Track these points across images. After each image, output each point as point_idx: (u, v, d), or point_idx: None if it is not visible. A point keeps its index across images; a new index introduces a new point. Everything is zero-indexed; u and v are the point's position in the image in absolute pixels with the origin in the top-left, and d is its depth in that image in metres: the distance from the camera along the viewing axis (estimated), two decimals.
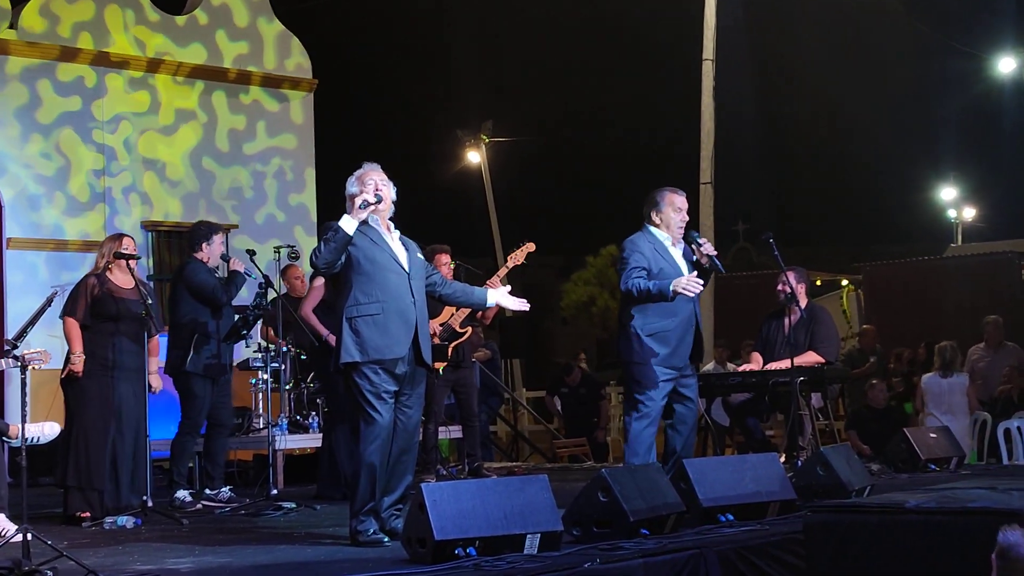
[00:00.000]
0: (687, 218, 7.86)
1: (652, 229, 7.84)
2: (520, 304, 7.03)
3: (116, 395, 8.09)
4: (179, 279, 9.08)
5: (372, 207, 6.52)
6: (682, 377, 7.73)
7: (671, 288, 7.44)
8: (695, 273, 7.60)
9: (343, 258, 6.48)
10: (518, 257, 9.47)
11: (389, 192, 6.69)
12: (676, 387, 7.71)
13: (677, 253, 7.82)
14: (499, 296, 7.00)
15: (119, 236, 8.52)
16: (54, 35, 13.82)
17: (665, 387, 7.64)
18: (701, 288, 7.49)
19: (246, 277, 9.04)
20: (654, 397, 7.62)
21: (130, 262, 8.26)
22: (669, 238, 7.81)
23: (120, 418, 8.09)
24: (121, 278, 8.27)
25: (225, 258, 9.25)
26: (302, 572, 5.10)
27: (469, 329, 9.89)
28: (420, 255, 6.85)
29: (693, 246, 7.83)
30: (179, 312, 8.95)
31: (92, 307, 8.12)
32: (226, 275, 9.19)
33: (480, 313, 9.83)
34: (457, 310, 9.60)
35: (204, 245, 9.07)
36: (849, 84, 33.70)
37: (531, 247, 9.33)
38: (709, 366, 14.75)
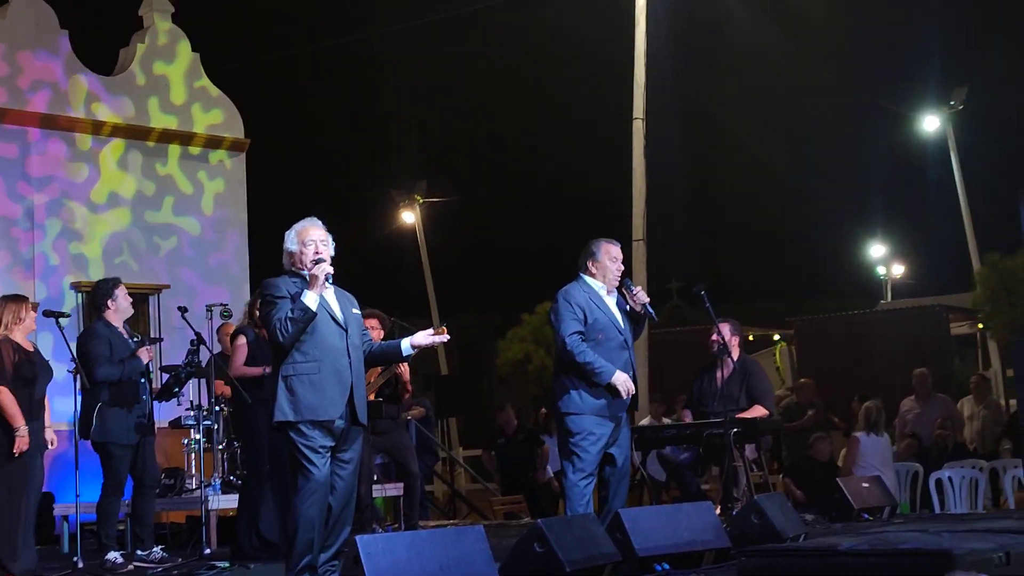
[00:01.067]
0: (623, 267, 7.93)
1: (587, 279, 7.89)
2: (438, 337, 6.86)
3: (34, 461, 7.97)
4: (80, 342, 8.84)
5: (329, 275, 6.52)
6: (617, 428, 7.74)
7: (612, 380, 7.52)
8: (630, 375, 7.66)
9: None
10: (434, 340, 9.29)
11: (329, 250, 6.69)
12: (610, 438, 7.72)
13: (611, 302, 7.87)
14: (416, 340, 6.83)
15: (20, 297, 8.32)
16: None
17: (602, 438, 7.64)
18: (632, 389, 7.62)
19: (140, 367, 8.72)
20: (589, 450, 7.61)
21: (59, 320, 8.17)
22: (604, 287, 7.86)
23: (33, 484, 7.96)
24: (24, 340, 8.14)
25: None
26: None
27: (372, 397, 9.71)
28: (356, 310, 6.84)
29: (626, 293, 7.89)
30: (89, 377, 8.74)
31: (14, 372, 7.94)
32: (140, 337, 8.99)
33: (397, 386, 9.77)
34: (375, 378, 9.52)
35: (109, 302, 8.85)
36: (778, 141, 34.18)
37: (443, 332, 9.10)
38: (644, 421, 14.82)
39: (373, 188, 31.12)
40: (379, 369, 9.46)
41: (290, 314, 6.42)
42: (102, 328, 8.73)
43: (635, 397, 7.88)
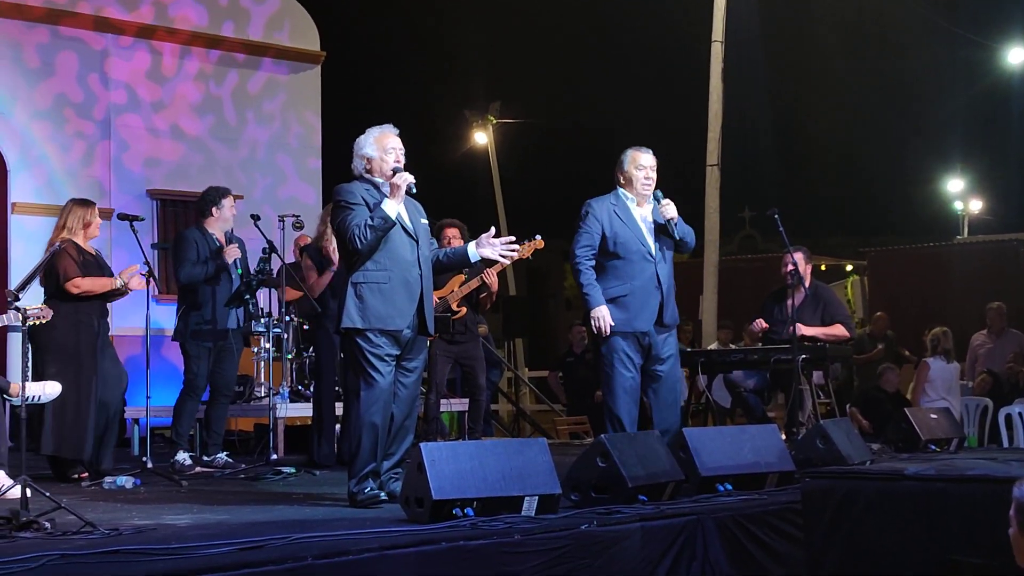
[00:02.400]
0: (653, 176, 7.70)
1: (620, 191, 7.75)
2: (506, 248, 6.80)
3: (100, 362, 8.10)
4: (171, 245, 9.08)
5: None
6: (654, 339, 7.62)
7: (592, 310, 7.49)
8: (656, 289, 7.56)
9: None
10: (524, 251, 9.36)
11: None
12: (650, 351, 7.63)
13: (641, 213, 7.69)
14: (483, 251, 6.77)
15: (87, 202, 8.41)
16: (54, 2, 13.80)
17: (632, 354, 7.57)
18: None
19: (225, 266, 8.92)
20: (620, 369, 7.56)
21: (133, 224, 8.25)
22: (634, 199, 7.72)
23: (102, 384, 8.10)
24: (84, 245, 8.24)
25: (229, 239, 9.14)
26: (299, 530, 5.08)
27: (463, 310, 9.80)
28: (424, 220, 6.82)
29: (657, 205, 7.74)
30: (176, 278, 8.98)
31: (81, 269, 8.07)
32: (232, 240, 9.13)
33: (482, 295, 9.81)
34: (459, 287, 9.57)
35: (214, 209, 9.04)
36: (858, 72, 33.55)
37: (540, 244, 9.16)
38: (712, 346, 14.77)
39: (447, 107, 30.98)
40: (462, 276, 9.49)
41: (369, 221, 6.39)
42: (194, 233, 8.92)
43: (671, 310, 7.67)
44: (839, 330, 9.53)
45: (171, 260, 9.22)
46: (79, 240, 8.16)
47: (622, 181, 7.75)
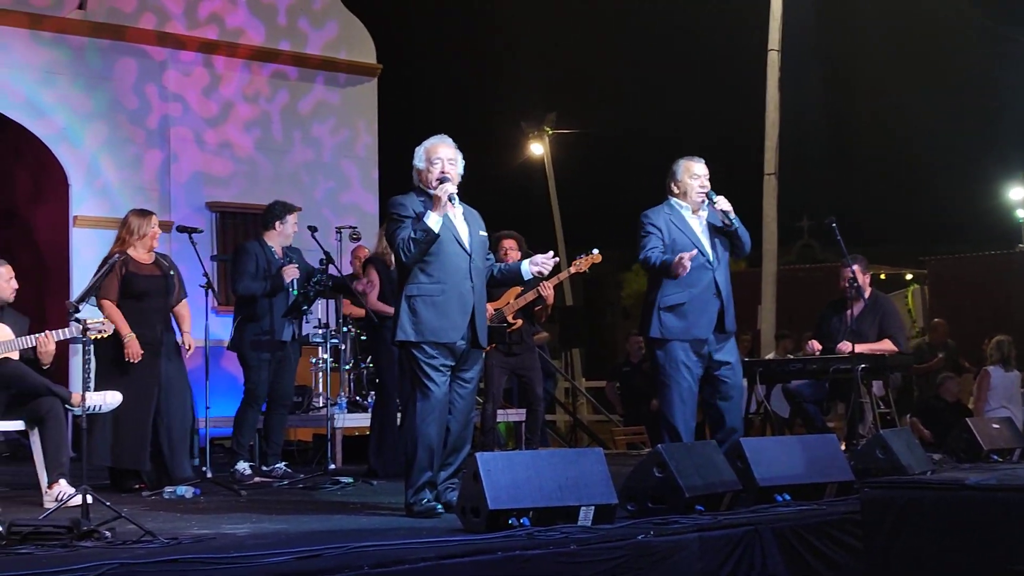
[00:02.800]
0: (707, 184, 7.69)
1: (672, 200, 7.75)
2: (548, 259, 6.78)
3: (159, 372, 8.18)
4: (231, 257, 9.18)
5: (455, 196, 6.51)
6: (713, 348, 7.60)
7: (671, 261, 7.40)
8: (693, 252, 7.49)
9: None
10: (581, 265, 9.34)
11: (457, 169, 6.67)
12: (711, 357, 7.60)
13: (697, 223, 7.69)
14: (535, 269, 6.78)
15: (145, 212, 8.49)
16: (119, 14, 13.95)
17: (691, 363, 7.54)
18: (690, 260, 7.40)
19: (282, 285, 8.95)
20: (678, 379, 7.52)
21: (192, 236, 8.32)
22: (689, 207, 7.70)
23: (167, 393, 8.17)
24: (142, 255, 8.31)
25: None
26: (356, 539, 5.10)
27: (519, 322, 9.80)
28: (483, 231, 6.82)
29: (711, 206, 7.71)
30: (233, 289, 9.07)
31: (122, 287, 8.16)
32: (288, 253, 9.19)
33: (537, 308, 9.82)
34: (515, 299, 9.58)
35: (278, 224, 9.13)
36: (914, 79, 33.24)
37: (597, 258, 9.13)
38: (770, 356, 14.66)
39: (503, 119, 31.02)
40: (518, 289, 9.50)
41: (412, 235, 6.43)
42: (254, 246, 9.02)
43: (730, 317, 7.66)
44: (887, 345, 9.40)
45: (230, 271, 9.31)
46: (138, 251, 8.24)
47: (676, 191, 7.75)
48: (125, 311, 8.12)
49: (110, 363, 8.12)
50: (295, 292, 8.94)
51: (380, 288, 9.35)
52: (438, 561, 4.69)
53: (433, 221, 6.46)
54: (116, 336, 7.86)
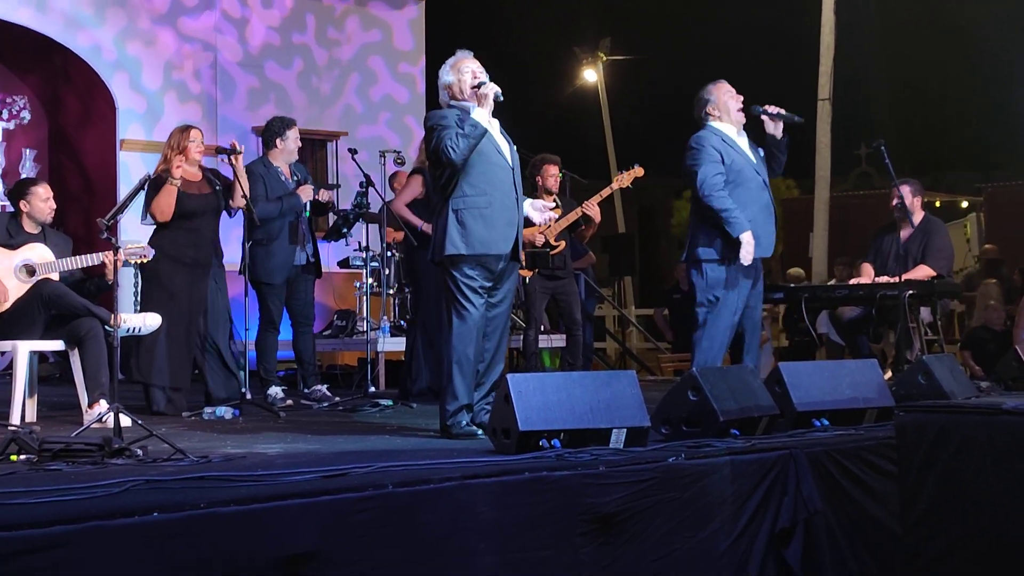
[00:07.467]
0: (742, 98, 7.55)
1: (713, 124, 7.56)
2: (545, 214, 6.87)
3: (202, 292, 8.18)
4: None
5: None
6: (759, 271, 7.54)
7: (740, 234, 7.24)
8: (770, 217, 7.41)
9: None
10: (624, 180, 9.25)
11: (485, 78, 6.58)
12: (755, 282, 7.53)
13: (744, 143, 7.56)
14: (528, 212, 6.81)
15: (186, 126, 8.41)
16: None
17: (743, 289, 7.43)
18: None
19: (299, 206, 8.83)
20: (730, 296, 7.40)
21: (231, 157, 8.25)
22: (733, 127, 7.54)
23: (212, 315, 8.18)
24: (189, 171, 8.24)
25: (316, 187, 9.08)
26: (386, 459, 5.08)
27: (562, 243, 9.75)
28: (515, 153, 6.76)
29: (763, 118, 7.57)
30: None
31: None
32: (295, 171, 9.07)
33: (581, 227, 9.75)
34: (556, 220, 9.50)
35: (278, 140, 8.98)
36: (976, 4, 32.51)
37: (639, 172, 9.03)
38: (831, 283, 14.50)
39: (556, 45, 30.73)
40: (559, 209, 9.45)
41: (460, 131, 6.33)
42: (259, 167, 8.86)
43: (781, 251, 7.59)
44: (921, 271, 9.19)
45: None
46: (178, 167, 8.08)
47: (715, 114, 7.57)
48: (173, 229, 8.11)
49: (156, 285, 8.13)
50: (307, 213, 8.85)
51: (421, 200, 9.18)
52: (463, 481, 4.65)
53: (481, 116, 6.41)
54: (162, 258, 7.88)
